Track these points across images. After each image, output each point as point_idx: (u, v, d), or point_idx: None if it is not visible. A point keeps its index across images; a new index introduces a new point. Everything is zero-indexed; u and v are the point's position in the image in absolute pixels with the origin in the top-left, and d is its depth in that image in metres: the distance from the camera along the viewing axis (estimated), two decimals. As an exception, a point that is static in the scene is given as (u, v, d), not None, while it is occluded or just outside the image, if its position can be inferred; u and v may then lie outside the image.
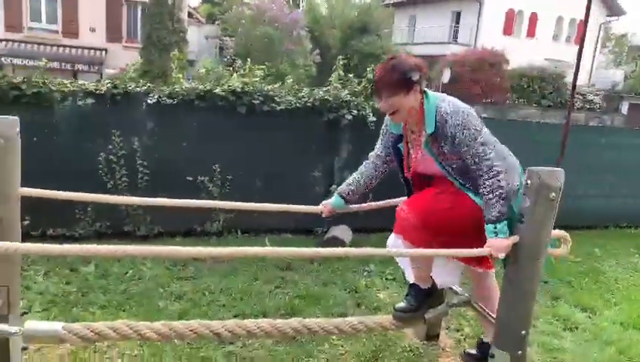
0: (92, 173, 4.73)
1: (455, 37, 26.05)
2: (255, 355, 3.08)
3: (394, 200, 3.20)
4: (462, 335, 3.60)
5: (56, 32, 19.26)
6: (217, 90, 5.02)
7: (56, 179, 4.37)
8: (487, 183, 2.25)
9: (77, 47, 19.23)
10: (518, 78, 21.62)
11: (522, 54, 22.01)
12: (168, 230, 5.05)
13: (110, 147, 4.76)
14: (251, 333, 2.20)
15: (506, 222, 2.26)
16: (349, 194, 2.76)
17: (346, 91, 5.49)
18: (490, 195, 2.24)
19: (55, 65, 17.25)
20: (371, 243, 5.61)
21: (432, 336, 3.42)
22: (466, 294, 2.90)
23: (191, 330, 2.10)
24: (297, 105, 5.27)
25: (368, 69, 5.83)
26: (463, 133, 2.23)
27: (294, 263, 4.66)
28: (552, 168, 2.26)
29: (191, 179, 5.04)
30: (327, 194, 5.44)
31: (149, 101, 4.87)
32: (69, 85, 4.65)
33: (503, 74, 21.05)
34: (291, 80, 5.68)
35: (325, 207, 2.81)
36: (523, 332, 2.40)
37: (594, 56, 26.18)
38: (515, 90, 21.62)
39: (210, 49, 24.71)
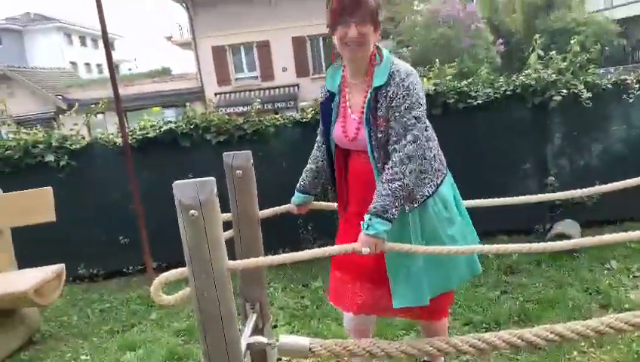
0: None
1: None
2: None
3: (629, 181, 2.70)
4: None
5: (256, 77, 21.97)
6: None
7: (278, 202, 4.86)
8: (392, 167, 1.90)
9: (274, 88, 21.57)
10: None
11: None
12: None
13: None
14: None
15: (387, 226, 1.88)
16: (305, 186, 2.50)
17: (550, 70, 4.95)
18: (386, 184, 1.89)
19: (259, 106, 19.73)
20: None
21: None
22: None
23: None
24: (496, 95, 4.93)
25: (572, 42, 5.18)
26: (403, 97, 1.90)
27: (518, 266, 4.30)
28: None
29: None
30: (545, 188, 4.93)
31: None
32: (280, 119, 5.14)
33: None
34: (485, 70, 5.35)
35: (294, 208, 2.61)
36: None
37: None
38: None
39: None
